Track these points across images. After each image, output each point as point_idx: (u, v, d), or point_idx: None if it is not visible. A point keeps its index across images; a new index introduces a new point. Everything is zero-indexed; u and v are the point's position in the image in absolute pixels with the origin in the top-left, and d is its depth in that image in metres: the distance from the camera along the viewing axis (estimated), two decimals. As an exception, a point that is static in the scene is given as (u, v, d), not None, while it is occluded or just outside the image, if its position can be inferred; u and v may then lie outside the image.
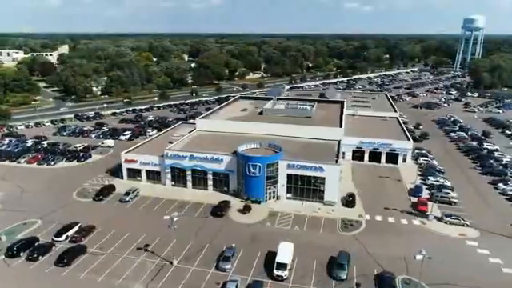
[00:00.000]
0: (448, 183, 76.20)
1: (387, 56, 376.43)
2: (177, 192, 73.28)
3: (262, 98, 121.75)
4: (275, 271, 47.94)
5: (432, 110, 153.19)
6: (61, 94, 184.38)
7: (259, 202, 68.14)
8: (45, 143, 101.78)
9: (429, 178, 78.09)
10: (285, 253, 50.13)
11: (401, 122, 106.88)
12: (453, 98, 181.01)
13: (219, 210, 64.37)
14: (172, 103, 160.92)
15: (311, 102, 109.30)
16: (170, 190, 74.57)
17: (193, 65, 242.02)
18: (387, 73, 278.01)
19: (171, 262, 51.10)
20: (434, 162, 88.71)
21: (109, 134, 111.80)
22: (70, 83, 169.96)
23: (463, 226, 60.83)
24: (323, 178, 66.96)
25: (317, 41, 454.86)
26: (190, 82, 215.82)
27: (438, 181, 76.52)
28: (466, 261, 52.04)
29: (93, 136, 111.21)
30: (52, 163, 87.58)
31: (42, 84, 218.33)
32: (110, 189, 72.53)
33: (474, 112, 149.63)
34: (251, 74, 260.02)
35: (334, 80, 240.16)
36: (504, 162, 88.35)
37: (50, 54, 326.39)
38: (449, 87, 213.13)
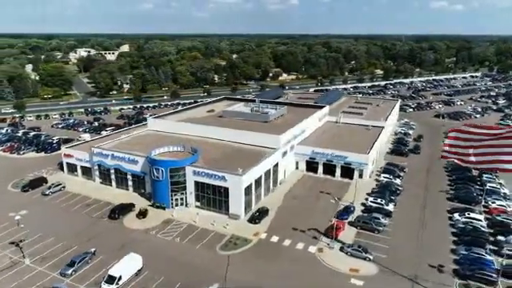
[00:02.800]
0: (389, 207, 65.19)
1: (453, 59, 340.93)
2: (100, 190, 73.44)
3: (246, 100, 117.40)
4: (102, 283, 45.05)
5: (457, 121, 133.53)
6: (95, 90, 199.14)
7: (164, 208, 65.20)
8: (31, 134, 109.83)
9: (369, 198, 67.70)
10: (123, 266, 46.89)
11: (382, 132, 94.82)
12: (494, 108, 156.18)
13: (115, 212, 62.82)
14: (181, 102, 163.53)
15: (285, 105, 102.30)
16: (96, 187, 75.05)
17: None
18: (437, 77, 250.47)
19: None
20: (396, 181, 76.85)
21: (93, 128, 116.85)
22: (96, 79, 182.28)
23: (365, 259, 51.32)
24: (227, 189, 61.74)
25: (384, 42, 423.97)
26: (217, 81, 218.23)
27: (376, 202, 65.97)
28: (331, 303, 43.66)
29: (80, 130, 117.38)
30: (21, 153, 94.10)
31: (86, 80, 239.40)
32: (40, 181, 75.31)
33: (508, 126, 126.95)
34: (285, 75, 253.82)
35: (369, 84, 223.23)
36: (487, 187, 73.15)
37: (112, 53, 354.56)
38: (500, 95, 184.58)
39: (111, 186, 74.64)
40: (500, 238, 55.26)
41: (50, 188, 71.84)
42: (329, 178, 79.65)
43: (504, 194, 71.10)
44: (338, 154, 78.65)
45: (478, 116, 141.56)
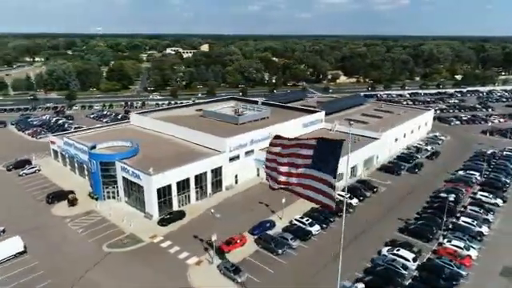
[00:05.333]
0: (313, 228, 57.50)
1: None
2: (66, 176, 79.40)
3: (251, 101, 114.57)
4: (-29, 260, 49.23)
5: (505, 139, 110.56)
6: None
7: (97, 199, 67.96)
8: (60, 121, 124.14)
9: (296, 216, 60.63)
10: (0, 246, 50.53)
11: (374, 144, 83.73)
12: None
13: (49, 197, 67.44)
14: (214, 99, 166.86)
15: (281, 108, 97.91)
16: (65, 173, 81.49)
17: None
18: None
19: None
20: (352, 201, 67.16)
21: (112, 120, 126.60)
22: (150, 76, 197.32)
23: (233, 280, 46.41)
24: (142, 187, 61.64)
25: (495, 45, 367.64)
26: (267, 81, 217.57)
27: (301, 222, 58.83)
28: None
29: (103, 121, 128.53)
30: (38, 137, 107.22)
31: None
32: (24, 163, 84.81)
33: None
34: (343, 77, 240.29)
35: (434, 90, 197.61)
36: (459, 223, 59.37)
37: (190, 52, 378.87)
38: None
39: (75, 173, 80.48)
40: (344, 283, 44.87)
41: (24, 169, 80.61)
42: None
43: (478, 232, 56.76)
44: (293, 164, 71.89)
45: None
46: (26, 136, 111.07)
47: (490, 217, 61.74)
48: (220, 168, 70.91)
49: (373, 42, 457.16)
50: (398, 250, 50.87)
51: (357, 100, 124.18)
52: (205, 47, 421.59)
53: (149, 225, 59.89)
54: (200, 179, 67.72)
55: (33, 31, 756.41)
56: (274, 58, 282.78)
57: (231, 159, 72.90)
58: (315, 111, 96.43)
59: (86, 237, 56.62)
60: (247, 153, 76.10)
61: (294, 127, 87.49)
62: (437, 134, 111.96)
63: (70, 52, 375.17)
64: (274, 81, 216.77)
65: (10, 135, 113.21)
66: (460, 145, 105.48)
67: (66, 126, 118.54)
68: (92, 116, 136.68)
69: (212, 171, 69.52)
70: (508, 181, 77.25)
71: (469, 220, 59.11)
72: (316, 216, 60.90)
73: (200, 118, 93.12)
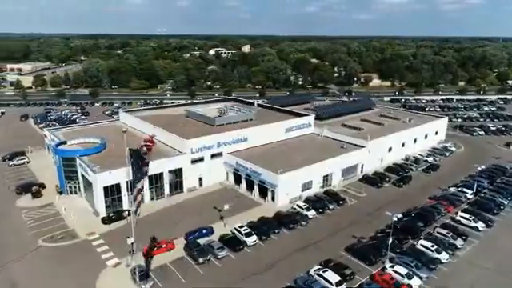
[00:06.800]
0: (249, 239, 54.11)
1: None
2: (48, 169, 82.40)
3: (248, 103, 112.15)
4: None
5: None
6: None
7: (60, 193, 70.12)
8: (74, 117, 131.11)
9: (236, 225, 57.47)
10: None
11: (359, 152, 77.64)
12: None
13: (18, 188, 70.71)
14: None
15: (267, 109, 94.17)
16: (51, 166, 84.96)
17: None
18: None
19: None
20: (309, 213, 62.41)
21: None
22: (176, 75, 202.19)
23: (139, 286, 44.95)
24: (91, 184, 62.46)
25: None
26: (293, 82, 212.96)
27: (238, 231, 55.63)
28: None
29: (115, 117, 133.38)
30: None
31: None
32: (18, 154, 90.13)
33: None
34: (377, 80, 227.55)
35: (473, 97, 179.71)
36: (417, 246, 52.49)
37: (228, 53, 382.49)
38: None
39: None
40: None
41: (13, 160, 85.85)
42: (246, 195, 70.61)
43: (432, 259, 49.64)
44: (254, 170, 68.89)
45: None
46: (38, 129, 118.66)
47: (458, 242, 53.85)
48: (180, 169, 69.77)
49: (428, 43, 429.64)
50: (324, 272, 46.03)
51: (363, 104, 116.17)
52: (246, 48, 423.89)
53: (93, 222, 60.36)
54: (156, 179, 67.16)
55: (100, 32, 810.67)
56: (314, 60, 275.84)
57: (194, 161, 71.39)
58: (304, 115, 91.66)
59: (30, 229, 58.34)
60: (214, 155, 74.09)
61: (276, 131, 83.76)
62: (448, 144, 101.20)
63: (120, 52, 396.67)
64: (300, 82, 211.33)
65: (26, 128, 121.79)
66: (471, 158, 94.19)
67: (77, 121, 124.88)
68: (107, 113, 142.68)
69: (170, 172, 68.64)
70: (505, 202, 67.23)
71: (428, 244, 52.02)
72: (259, 226, 57.38)
73: (186, 118, 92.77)
